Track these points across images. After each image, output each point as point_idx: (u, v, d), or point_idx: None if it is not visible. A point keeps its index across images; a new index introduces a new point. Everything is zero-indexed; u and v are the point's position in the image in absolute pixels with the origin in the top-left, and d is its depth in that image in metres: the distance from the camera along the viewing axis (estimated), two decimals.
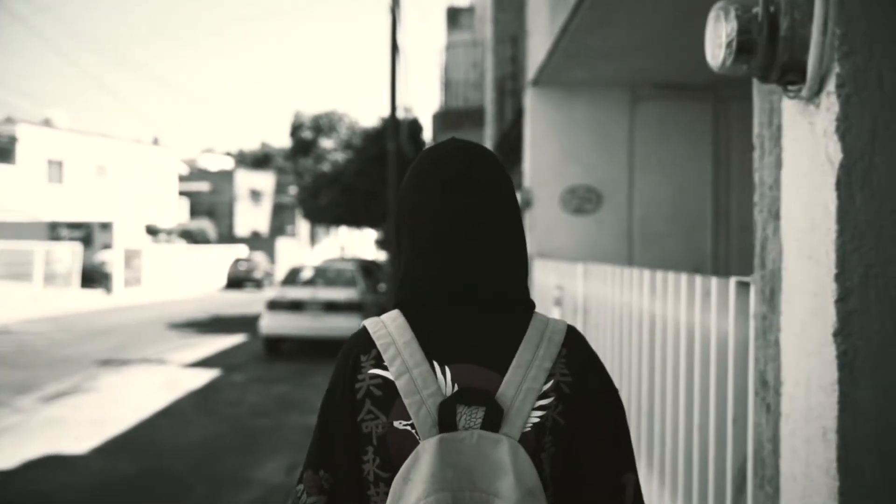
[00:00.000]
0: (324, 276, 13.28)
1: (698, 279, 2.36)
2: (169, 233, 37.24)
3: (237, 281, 34.51)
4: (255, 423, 7.91)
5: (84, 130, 37.87)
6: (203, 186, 53.25)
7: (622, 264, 4.55)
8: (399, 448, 1.08)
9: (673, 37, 5.01)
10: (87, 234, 29.33)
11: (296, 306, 12.29)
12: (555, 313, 4.81)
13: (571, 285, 4.43)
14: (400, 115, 20.19)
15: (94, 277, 28.13)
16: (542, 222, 6.61)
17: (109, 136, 39.09)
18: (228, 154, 69.55)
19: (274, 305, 12.35)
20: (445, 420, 1.07)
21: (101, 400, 8.88)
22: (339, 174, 19.21)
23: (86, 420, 7.83)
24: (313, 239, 56.81)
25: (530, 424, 1.08)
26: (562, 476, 1.12)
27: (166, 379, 10.36)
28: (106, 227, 29.23)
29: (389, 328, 1.15)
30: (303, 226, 54.29)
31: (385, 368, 1.12)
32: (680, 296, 2.51)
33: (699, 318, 2.33)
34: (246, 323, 17.81)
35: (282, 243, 50.18)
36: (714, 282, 2.21)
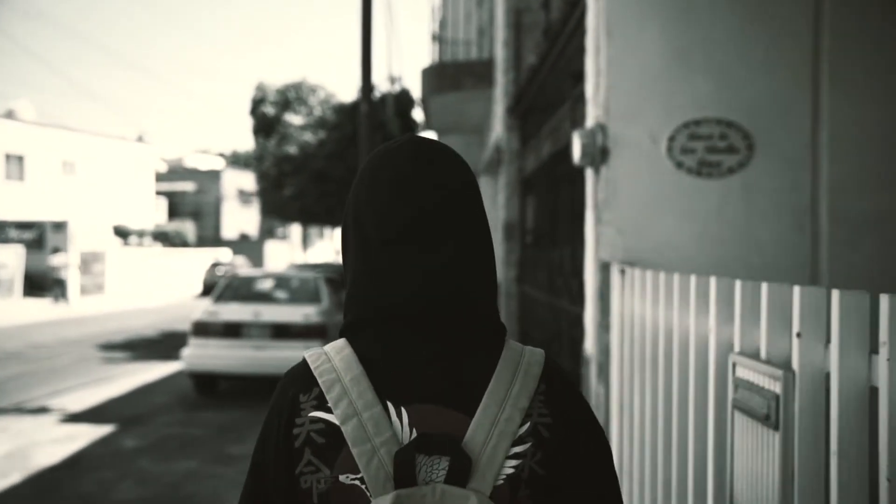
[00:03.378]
0: (275, 288, 9.85)
1: None
2: (140, 234, 33.84)
3: (214, 287, 31.11)
4: None
5: (50, 123, 34.52)
6: (188, 186, 51.15)
7: (800, 280, 2.72)
8: None
9: None
10: (38, 235, 25.91)
11: (232, 331, 8.86)
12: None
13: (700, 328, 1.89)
14: (385, 86, 17.03)
15: (43, 285, 24.76)
16: (629, 192, 3.22)
17: (78, 129, 35.72)
18: (221, 155, 66.95)
19: (201, 330, 8.92)
20: (402, 473, 0.90)
21: None
22: (307, 158, 15.66)
23: None
24: (305, 241, 54.43)
25: (503, 476, 0.92)
26: None
27: (15, 446, 6.94)
28: (60, 227, 25.79)
29: (334, 361, 0.98)
30: (295, 227, 51.99)
31: (329, 411, 0.95)
32: None
33: None
34: None
35: (271, 246, 48.24)
36: None
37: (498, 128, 8.73)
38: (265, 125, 16.64)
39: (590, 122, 3.40)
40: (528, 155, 7.71)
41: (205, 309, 9.11)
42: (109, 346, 14.26)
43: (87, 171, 35.26)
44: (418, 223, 0.97)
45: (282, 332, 8.84)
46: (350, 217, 1.03)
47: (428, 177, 0.99)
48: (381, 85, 16.48)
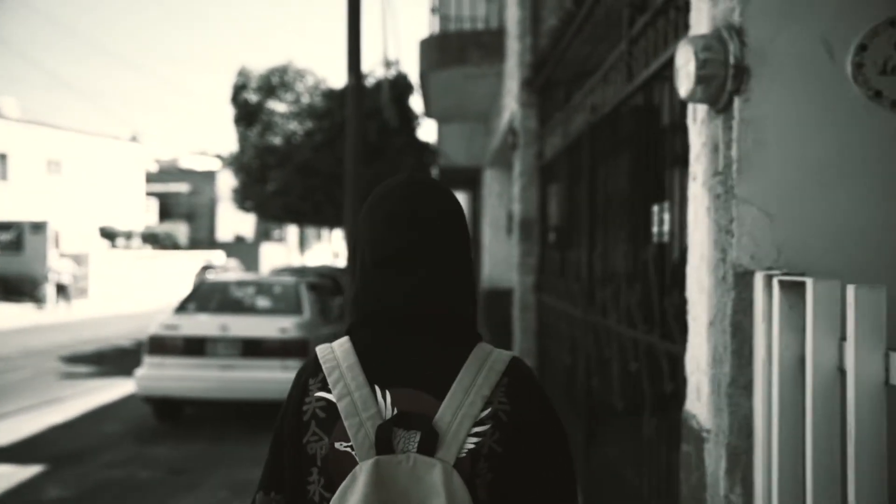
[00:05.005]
0: (249, 296, 8.44)
1: None
2: (128, 236, 32.40)
3: None
4: None
5: (34, 121, 33.10)
6: (182, 187, 50.08)
7: None
8: (340, 469, 1.12)
9: None
10: (17, 236, 24.49)
11: (194, 348, 7.44)
12: None
13: None
14: (381, 72, 15.50)
15: (21, 288, 23.37)
16: (785, 146, 1.80)
17: (65, 128, 34.31)
18: (218, 156, 65.71)
19: (158, 346, 7.49)
20: (383, 443, 1.10)
21: None
22: (293, 149, 14.07)
23: None
24: (302, 244, 53.26)
25: (465, 450, 1.11)
26: None
27: None
28: (39, 228, 24.35)
29: (336, 352, 1.20)
30: (292, 229, 50.86)
31: (329, 391, 1.16)
32: None
33: None
34: None
35: (267, 248, 47.25)
36: None
37: (512, 106, 7.33)
38: (247, 114, 15.10)
39: (703, 26, 1.99)
40: (550, 136, 6.31)
41: (162, 321, 7.69)
42: (75, 359, 12.85)
43: (74, 171, 33.82)
44: (401, 252, 1.20)
45: (253, 348, 7.42)
46: (358, 244, 1.28)
47: (412, 214, 1.20)
48: (377, 70, 15.09)
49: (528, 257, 6.86)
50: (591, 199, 4.49)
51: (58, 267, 22.70)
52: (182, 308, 8.07)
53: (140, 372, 7.49)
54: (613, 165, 4.07)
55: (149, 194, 43.26)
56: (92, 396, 9.41)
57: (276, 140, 14.35)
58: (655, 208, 3.20)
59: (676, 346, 2.47)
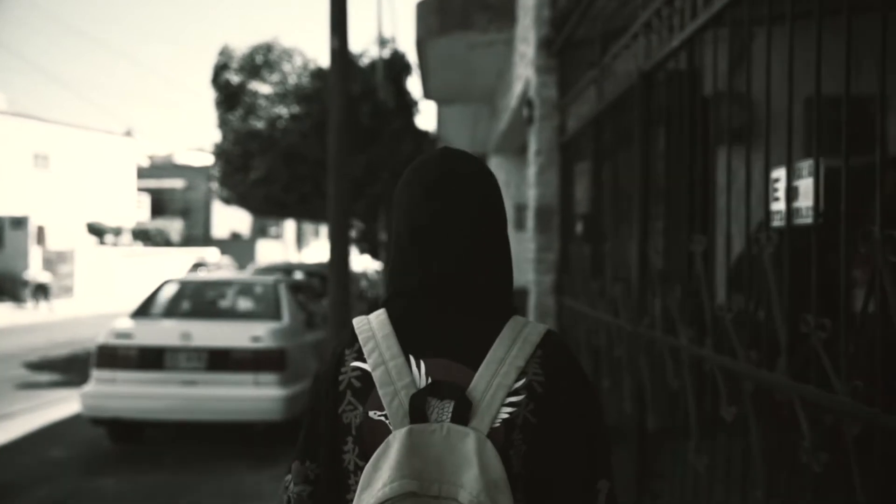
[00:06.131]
0: (218, 299, 7.28)
1: None
2: (117, 233, 31.24)
3: None
4: None
5: (20, 113, 31.92)
6: (177, 183, 49.21)
7: None
8: (374, 437, 1.11)
9: None
10: None
11: (151, 360, 6.30)
12: None
13: None
14: (374, 52, 14.25)
15: (2, 287, 22.26)
16: None
17: (53, 121, 33.12)
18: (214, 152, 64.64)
19: (108, 358, 6.35)
20: (416, 411, 1.10)
21: None
22: (278, 135, 12.69)
23: None
24: (300, 240, 52.41)
25: (500, 420, 1.10)
26: (534, 476, 1.12)
27: None
28: (19, 223, 23.20)
29: (372, 323, 1.20)
30: (289, 226, 49.96)
31: (365, 361, 1.16)
32: None
33: None
34: None
35: (263, 245, 46.56)
36: None
37: (526, 74, 6.20)
38: (228, 96, 13.79)
39: None
40: (574, 105, 5.18)
41: (114, 328, 6.54)
42: (41, 365, 11.75)
43: (62, 165, 32.67)
44: (437, 222, 1.19)
45: (221, 360, 6.28)
46: (393, 217, 1.27)
47: (449, 185, 1.21)
48: (371, 50, 13.85)
49: (546, 252, 5.73)
50: (643, 173, 3.35)
51: (33, 273, 21.69)
52: (139, 313, 6.93)
53: (86, 388, 6.35)
54: (677, 127, 2.94)
55: (141, 190, 42.22)
56: (46, 411, 8.30)
57: (260, 124, 13.03)
58: (778, 173, 2.08)
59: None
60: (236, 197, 14.88)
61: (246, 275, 9.02)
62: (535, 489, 1.11)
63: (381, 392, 1.11)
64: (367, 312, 1.27)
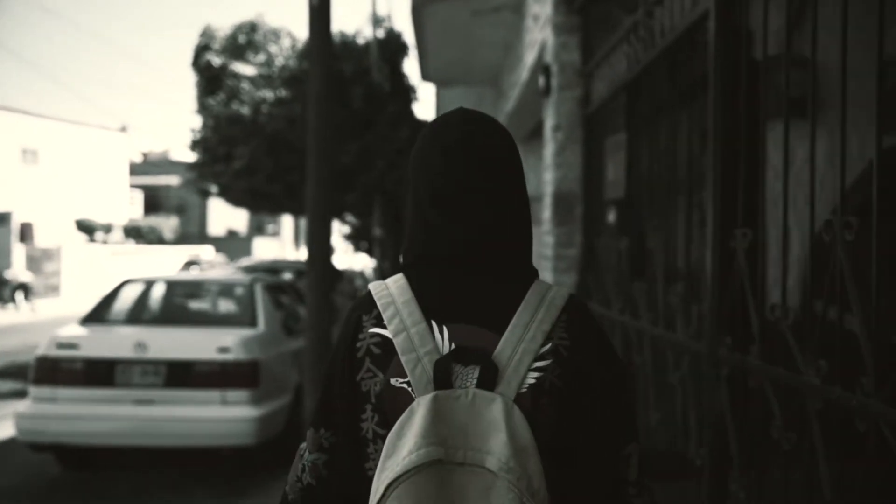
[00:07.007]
0: (183, 302, 6.32)
1: None
2: (107, 230, 30.29)
3: None
4: None
5: (7, 107, 30.96)
6: (172, 180, 48.47)
7: None
8: (395, 405, 1.08)
9: None
10: None
11: (99, 375, 5.35)
12: None
13: None
14: (367, 32, 13.18)
15: None
16: None
17: (42, 115, 32.16)
18: None
19: (49, 372, 5.39)
20: (441, 378, 1.07)
21: None
22: (263, 120, 11.66)
23: None
24: (298, 237, 51.70)
25: (527, 385, 1.08)
26: (562, 442, 1.10)
27: None
28: (2, 219, 22.25)
29: (391, 289, 1.16)
30: (287, 223, 49.29)
31: (384, 327, 1.13)
32: None
33: None
34: None
35: (260, 243, 45.96)
36: None
37: (542, 36, 5.24)
38: (210, 78, 12.75)
39: None
40: (603, 68, 4.23)
41: (56, 337, 5.57)
42: (5, 373, 10.79)
43: (52, 161, 31.72)
44: (462, 180, 1.15)
45: (181, 375, 5.33)
46: (411, 180, 1.22)
47: (470, 146, 1.16)
48: (365, 30, 12.84)
49: (566, 248, 4.78)
50: (725, 134, 2.40)
51: (14, 272, 20.77)
52: (91, 318, 5.98)
53: (22, 408, 5.40)
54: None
55: (134, 186, 41.31)
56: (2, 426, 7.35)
57: (243, 109, 12.01)
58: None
59: None
60: (217, 189, 13.86)
61: (219, 275, 8.07)
62: (564, 454, 1.10)
63: (403, 359, 1.09)
64: None
